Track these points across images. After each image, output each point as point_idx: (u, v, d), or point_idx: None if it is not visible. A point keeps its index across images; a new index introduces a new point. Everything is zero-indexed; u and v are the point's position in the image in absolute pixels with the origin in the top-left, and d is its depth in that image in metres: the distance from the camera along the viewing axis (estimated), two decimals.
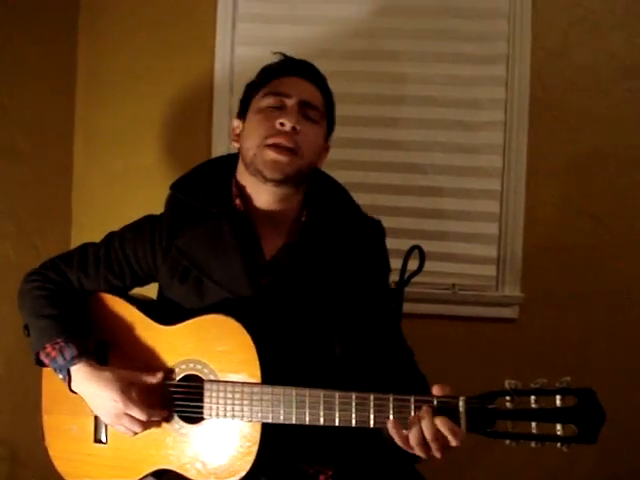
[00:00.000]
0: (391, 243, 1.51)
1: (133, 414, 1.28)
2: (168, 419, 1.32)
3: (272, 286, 1.36)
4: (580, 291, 2.12)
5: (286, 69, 1.42)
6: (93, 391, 1.31)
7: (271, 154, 1.32)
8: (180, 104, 2.19)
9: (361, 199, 1.51)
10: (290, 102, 1.35)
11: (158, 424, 1.31)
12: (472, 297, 2.14)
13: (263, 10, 2.16)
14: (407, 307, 1.65)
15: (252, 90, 1.43)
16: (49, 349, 1.33)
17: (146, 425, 1.30)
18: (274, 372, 1.26)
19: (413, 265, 1.65)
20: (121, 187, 2.21)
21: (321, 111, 1.40)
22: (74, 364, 1.31)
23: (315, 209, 1.43)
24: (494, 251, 2.13)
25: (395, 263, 1.57)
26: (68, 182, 2.23)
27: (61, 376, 1.33)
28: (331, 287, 1.36)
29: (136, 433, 1.31)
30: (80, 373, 1.31)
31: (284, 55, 1.46)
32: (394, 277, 1.63)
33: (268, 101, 1.37)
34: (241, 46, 2.16)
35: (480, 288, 2.14)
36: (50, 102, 2.14)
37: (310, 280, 1.36)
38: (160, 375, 1.30)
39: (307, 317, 1.34)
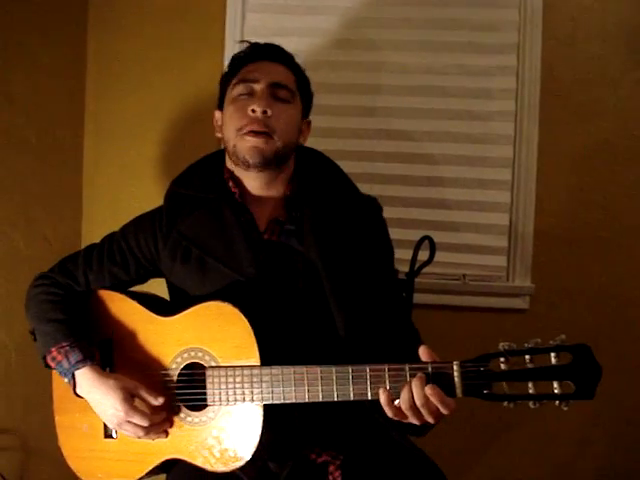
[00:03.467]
0: (401, 234, 1.51)
1: (135, 421, 1.30)
2: (174, 409, 1.33)
3: (270, 264, 1.38)
4: (590, 282, 2.11)
5: (253, 55, 1.46)
6: (97, 398, 1.33)
7: (249, 140, 1.37)
8: (190, 96, 2.19)
9: (370, 190, 1.51)
10: (258, 87, 1.40)
11: (164, 418, 1.33)
12: (482, 288, 2.13)
13: (273, 0, 2.16)
14: (417, 298, 1.66)
15: (225, 82, 1.49)
16: (55, 352, 1.35)
17: (149, 429, 1.31)
18: (276, 354, 1.28)
19: (423, 256, 1.65)
20: (131, 179, 2.21)
21: (292, 89, 1.44)
22: (79, 368, 1.33)
23: (301, 185, 1.46)
24: (504, 241, 2.12)
25: (405, 254, 1.57)
26: (78, 173, 2.23)
27: (66, 380, 1.35)
28: (327, 263, 1.37)
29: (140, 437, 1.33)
30: (84, 378, 1.33)
31: (250, 42, 1.50)
32: (405, 268, 1.63)
33: (238, 90, 1.42)
34: (250, 37, 2.13)
35: (490, 279, 2.14)
36: (60, 94, 2.14)
37: (304, 257, 1.38)
38: (161, 399, 1.31)
39: (306, 295, 1.36)
